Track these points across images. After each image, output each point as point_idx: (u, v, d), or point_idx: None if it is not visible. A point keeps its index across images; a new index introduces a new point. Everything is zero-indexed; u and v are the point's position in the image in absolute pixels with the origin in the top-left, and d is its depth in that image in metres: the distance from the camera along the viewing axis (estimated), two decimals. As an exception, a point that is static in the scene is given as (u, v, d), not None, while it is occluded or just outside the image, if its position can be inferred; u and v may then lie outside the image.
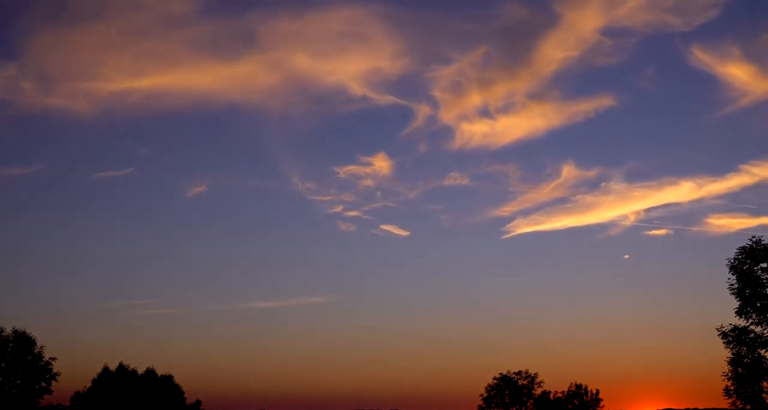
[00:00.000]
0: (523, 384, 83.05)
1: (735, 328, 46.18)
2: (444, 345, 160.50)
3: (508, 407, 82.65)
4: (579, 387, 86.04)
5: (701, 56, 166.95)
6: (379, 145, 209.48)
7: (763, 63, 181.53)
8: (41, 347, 70.66)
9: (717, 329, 46.89)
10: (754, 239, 46.42)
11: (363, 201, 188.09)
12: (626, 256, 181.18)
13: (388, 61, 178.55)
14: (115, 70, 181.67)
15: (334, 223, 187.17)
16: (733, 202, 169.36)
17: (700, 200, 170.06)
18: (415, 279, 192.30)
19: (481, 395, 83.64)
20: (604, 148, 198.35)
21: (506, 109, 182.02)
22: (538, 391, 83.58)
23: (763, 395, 45.41)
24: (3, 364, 69.11)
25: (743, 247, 46.61)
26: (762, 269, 46.03)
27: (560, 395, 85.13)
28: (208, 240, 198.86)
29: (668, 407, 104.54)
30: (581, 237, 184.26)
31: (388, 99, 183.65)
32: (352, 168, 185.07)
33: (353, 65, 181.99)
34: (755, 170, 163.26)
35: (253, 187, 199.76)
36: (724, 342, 46.43)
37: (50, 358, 71.08)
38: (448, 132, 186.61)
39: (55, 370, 71.31)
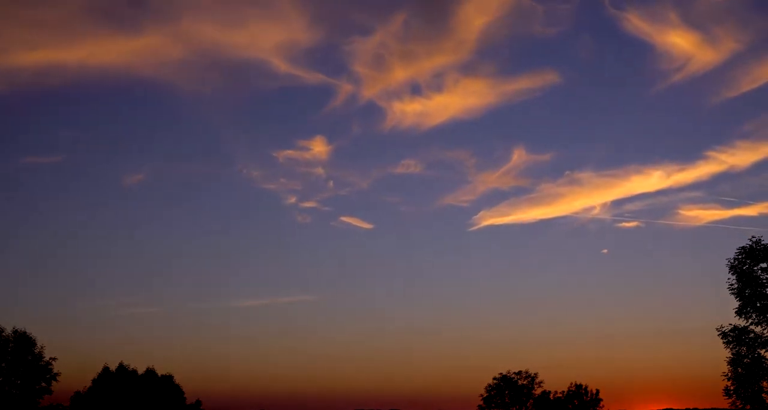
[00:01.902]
0: (523, 384, 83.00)
1: (735, 328, 46.16)
2: (442, 344, 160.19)
3: (508, 407, 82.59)
4: (579, 387, 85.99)
5: (639, 24, 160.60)
6: (311, 126, 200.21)
7: (705, 29, 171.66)
8: (41, 347, 70.82)
9: (717, 329, 46.92)
10: (754, 239, 46.53)
11: (313, 190, 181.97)
12: (604, 251, 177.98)
13: (302, 32, 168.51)
14: (6, 41, 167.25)
15: (291, 215, 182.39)
16: (703, 192, 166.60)
17: (671, 190, 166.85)
18: (396, 275, 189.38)
19: (481, 395, 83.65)
20: (552, 129, 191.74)
21: (438, 86, 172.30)
22: (538, 391, 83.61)
23: (763, 395, 45.40)
24: (3, 364, 69.10)
25: (743, 247, 46.63)
26: (762, 269, 46.02)
27: (560, 395, 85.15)
28: (163, 233, 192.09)
29: (668, 407, 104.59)
30: (552, 230, 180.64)
31: (310, 75, 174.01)
32: (291, 153, 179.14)
33: (264, 37, 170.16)
34: (723, 157, 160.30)
35: (195, 174, 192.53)
36: (723, 342, 46.42)
37: (50, 358, 71.23)
38: (379, 112, 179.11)
39: (55, 370, 71.48)
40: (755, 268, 46.10)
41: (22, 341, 70.03)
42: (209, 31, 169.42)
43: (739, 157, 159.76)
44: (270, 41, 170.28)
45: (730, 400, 46.13)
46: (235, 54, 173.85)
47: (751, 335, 45.70)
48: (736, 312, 46.42)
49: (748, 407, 45.81)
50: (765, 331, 45.65)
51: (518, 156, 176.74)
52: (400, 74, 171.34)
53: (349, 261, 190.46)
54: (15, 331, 70.22)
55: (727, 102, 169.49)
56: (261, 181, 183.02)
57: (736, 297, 46.54)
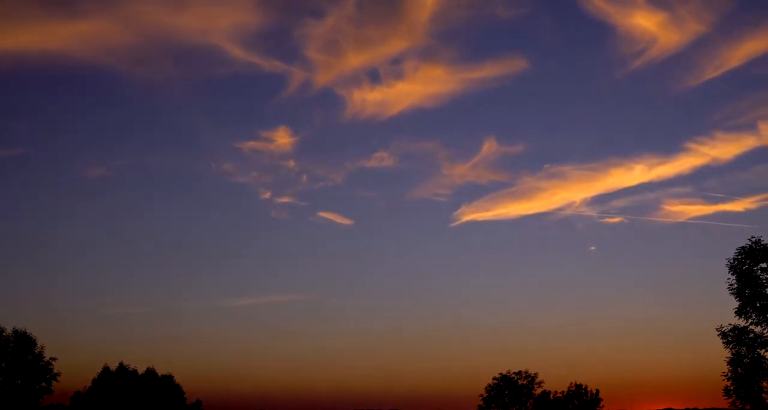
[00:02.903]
0: (523, 384, 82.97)
1: (735, 328, 46.19)
2: (442, 344, 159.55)
3: (508, 407, 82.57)
4: (579, 387, 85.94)
5: (601, 4, 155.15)
6: (271, 115, 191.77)
7: (672, 9, 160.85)
8: (41, 347, 70.84)
9: (717, 329, 46.95)
10: (754, 239, 46.59)
11: (286, 184, 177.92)
12: (592, 248, 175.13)
13: (252, 15, 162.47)
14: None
15: (267, 210, 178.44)
16: (686, 186, 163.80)
17: (653, 185, 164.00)
18: (385, 274, 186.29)
19: (481, 395, 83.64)
20: (523, 119, 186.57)
21: (398, 73, 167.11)
22: (538, 391, 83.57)
23: (763, 395, 45.43)
24: (3, 364, 69.11)
25: (743, 247, 46.67)
26: (761, 269, 46.05)
27: (560, 395, 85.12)
28: (136, 230, 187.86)
29: (668, 407, 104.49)
30: (537, 226, 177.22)
31: (264, 61, 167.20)
32: (254, 144, 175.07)
33: (213, 20, 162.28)
34: (704, 149, 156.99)
35: (160, 167, 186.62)
36: (723, 342, 46.46)
37: (50, 358, 71.24)
38: (339, 101, 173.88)
39: (55, 370, 71.50)
40: (755, 268, 46.14)
41: (23, 341, 70.06)
42: (156, 13, 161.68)
43: (721, 150, 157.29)
44: (219, 25, 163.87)
45: (730, 400, 46.18)
46: (184, 38, 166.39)
47: (751, 335, 45.73)
48: (735, 312, 46.47)
49: (748, 407, 45.83)
50: (765, 331, 45.69)
51: (489, 147, 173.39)
52: (356, 60, 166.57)
53: (334, 259, 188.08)
54: (15, 331, 70.33)
55: (696, 88, 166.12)
56: (232, 175, 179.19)
57: (735, 297, 46.58)
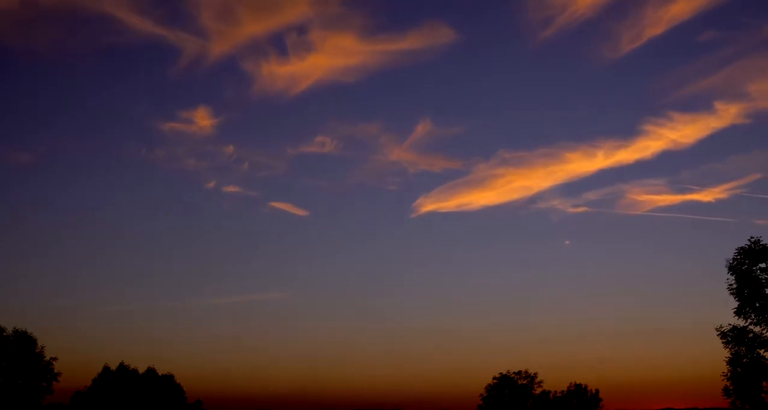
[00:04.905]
0: (523, 384, 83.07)
1: (734, 328, 46.28)
2: (441, 344, 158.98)
3: (508, 407, 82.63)
4: (579, 387, 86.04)
5: None
6: (184, 92, 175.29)
7: None
8: (42, 347, 70.93)
9: (716, 329, 47.06)
10: (753, 239, 46.65)
11: (225, 171, 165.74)
12: (566, 242, 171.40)
13: None
14: None
15: (214, 200, 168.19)
16: (649, 173, 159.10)
17: (614, 171, 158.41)
18: (362, 270, 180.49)
19: (481, 395, 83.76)
20: (459, 98, 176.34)
21: (306, 45, 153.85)
22: (537, 391, 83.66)
23: (763, 395, 45.49)
24: (4, 364, 69.19)
25: (742, 247, 46.77)
26: (761, 269, 46.12)
27: (560, 395, 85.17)
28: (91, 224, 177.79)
29: (668, 407, 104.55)
30: (503, 217, 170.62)
31: (162, 30, 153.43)
32: (176, 125, 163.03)
33: None
34: (662, 131, 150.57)
35: (84, 151, 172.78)
36: (723, 342, 46.56)
37: (51, 358, 71.32)
38: (248, 76, 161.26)
39: (56, 370, 71.55)
40: (754, 268, 46.21)
41: (23, 341, 70.11)
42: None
43: (681, 132, 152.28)
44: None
45: (730, 400, 46.26)
46: (69, 3, 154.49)
47: (750, 335, 45.81)
48: (735, 312, 46.56)
49: (748, 407, 45.89)
50: (764, 331, 45.76)
51: (424, 127, 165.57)
52: (254, 28, 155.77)
53: (299, 253, 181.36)
54: (16, 331, 70.39)
55: (629, 55, 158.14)
56: (167, 161, 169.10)
57: (735, 297, 46.66)
